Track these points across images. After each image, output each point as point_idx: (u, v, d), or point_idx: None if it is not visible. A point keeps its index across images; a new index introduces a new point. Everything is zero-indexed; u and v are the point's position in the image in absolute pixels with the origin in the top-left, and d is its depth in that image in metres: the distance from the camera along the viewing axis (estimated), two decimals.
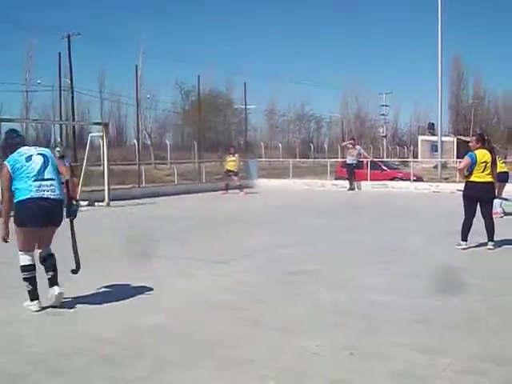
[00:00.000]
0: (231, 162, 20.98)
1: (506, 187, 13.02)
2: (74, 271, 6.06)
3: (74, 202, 5.98)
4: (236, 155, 21.35)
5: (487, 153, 8.65)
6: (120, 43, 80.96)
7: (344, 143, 23.48)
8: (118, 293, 6.22)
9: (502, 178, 12.16)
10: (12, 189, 5.45)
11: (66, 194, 5.87)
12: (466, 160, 8.70)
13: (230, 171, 20.98)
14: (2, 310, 5.61)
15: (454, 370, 3.96)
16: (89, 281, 6.76)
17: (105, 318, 5.28)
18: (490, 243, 8.65)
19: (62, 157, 16.32)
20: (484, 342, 4.52)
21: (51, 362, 4.18)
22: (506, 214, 12.59)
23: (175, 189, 21.42)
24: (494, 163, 8.76)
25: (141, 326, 5.03)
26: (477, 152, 8.63)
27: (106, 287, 6.45)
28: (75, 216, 5.99)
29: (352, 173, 22.45)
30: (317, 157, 50.42)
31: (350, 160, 22.60)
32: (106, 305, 5.73)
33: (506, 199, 12.43)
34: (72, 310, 5.56)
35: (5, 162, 5.56)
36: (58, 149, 16.93)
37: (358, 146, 24.18)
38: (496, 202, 10.37)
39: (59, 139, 40.83)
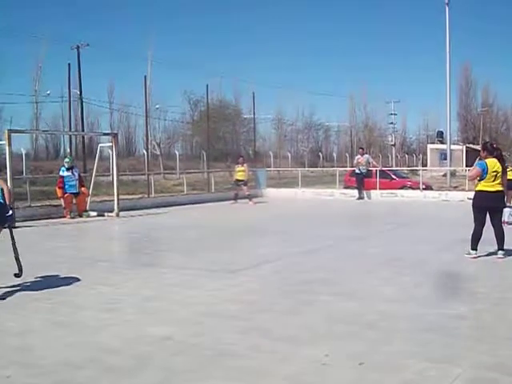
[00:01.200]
0: (240, 172, 21.00)
1: None
2: (17, 275, 6.73)
3: (9, 211, 6.70)
4: (245, 165, 21.38)
5: (497, 162, 8.59)
6: (129, 54, 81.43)
7: (356, 160, 23.37)
8: (125, 303, 6.22)
9: (510, 185, 12.05)
10: None
11: (4, 201, 6.67)
12: (476, 170, 8.67)
13: (239, 181, 21.00)
14: (10, 320, 5.62)
15: (464, 379, 3.93)
16: (95, 291, 6.79)
17: (112, 329, 5.27)
18: (499, 252, 8.60)
19: (71, 167, 16.47)
20: (494, 352, 4.49)
21: (59, 373, 4.17)
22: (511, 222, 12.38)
23: (184, 199, 21.44)
24: (504, 172, 8.68)
25: (148, 336, 5.03)
26: (487, 161, 8.58)
27: (113, 297, 6.45)
28: (10, 222, 6.89)
29: (361, 182, 22.42)
30: (325, 166, 50.48)
31: (358, 169, 22.58)
32: (113, 315, 5.73)
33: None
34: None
35: None
36: (67, 159, 17.05)
37: (366, 155, 24.19)
38: (505, 210, 10.29)
39: (68, 150, 41.08)
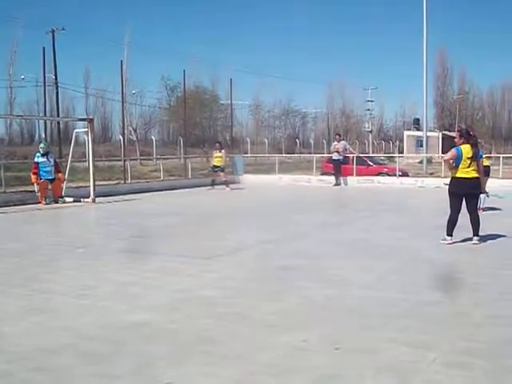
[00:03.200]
0: (217, 158, 20.96)
1: (487, 181, 13.02)
2: None
3: None
4: (223, 151, 21.34)
5: (471, 148, 8.64)
6: (105, 39, 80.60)
7: (333, 146, 23.40)
8: (102, 289, 6.18)
9: (486, 172, 12.15)
10: None
11: None
12: (453, 152, 8.73)
13: (216, 167, 20.97)
14: None
15: (440, 363, 3.98)
16: (72, 277, 6.74)
17: (89, 315, 5.23)
18: (475, 238, 8.69)
19: (46, 153, 16.26)
20: (469, 337, 4.55)
21: (35, 360, 4.14)
22: (486, 209, 12.51)
23: (161, 185, 21.35)
24: (476, 156, 8.70)
25: (125, 322, 5.00)
26: (462, 147, 8.65)
27: (90, 284, 6.40)
28: None
29: (338, 168, 22.50)
30: (303, 152, 50.56)
31: (335, 156, 22.66)
32: (89, 301, 5.69)
33: (487, 193, 12.37)
34: None
35: None
36: (42, 145, 16.84)
37: (343, 142, 24.27)
38: (481, 196, 10.38)
39: (43, 135, 40.57)
